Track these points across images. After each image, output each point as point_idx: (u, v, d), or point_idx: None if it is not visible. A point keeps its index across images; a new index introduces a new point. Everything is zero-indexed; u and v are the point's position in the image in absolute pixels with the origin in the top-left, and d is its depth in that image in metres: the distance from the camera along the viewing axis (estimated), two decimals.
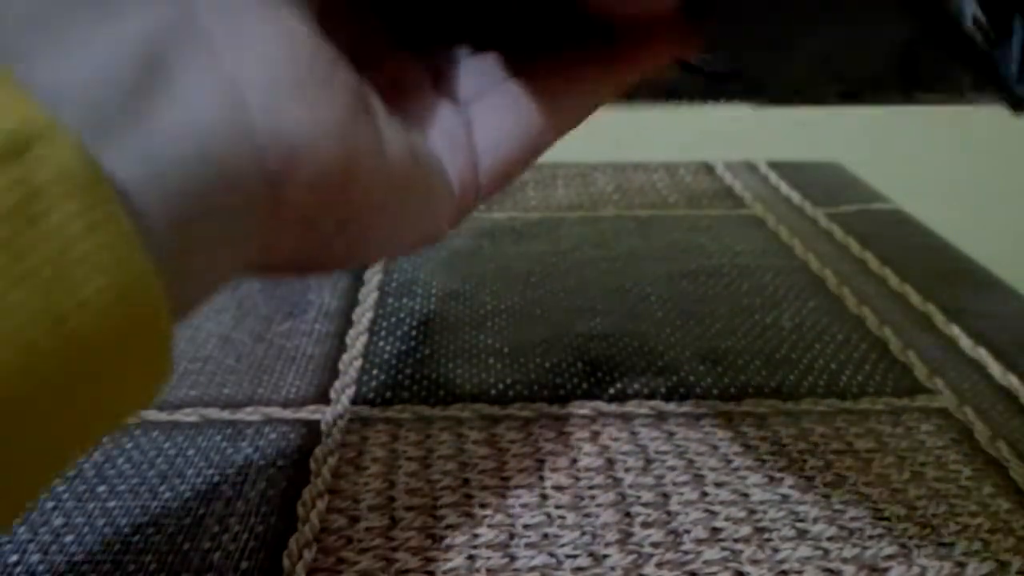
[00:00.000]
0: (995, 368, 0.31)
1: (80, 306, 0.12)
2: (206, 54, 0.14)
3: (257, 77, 0.14)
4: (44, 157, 0.11)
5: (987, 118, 0.71)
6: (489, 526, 0.23)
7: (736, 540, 0.23)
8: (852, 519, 0.24)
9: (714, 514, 0.24)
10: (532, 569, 0.22)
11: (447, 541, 0.23)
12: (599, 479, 0.25)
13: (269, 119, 0.14)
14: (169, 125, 0.13)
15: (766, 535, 0.23)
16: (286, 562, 0.22)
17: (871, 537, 0.23)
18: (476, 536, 0.23)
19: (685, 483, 0.25)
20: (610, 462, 0.26)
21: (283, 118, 0.14)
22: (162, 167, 0.13)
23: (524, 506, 0.24)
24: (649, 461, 0.26)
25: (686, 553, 0.22)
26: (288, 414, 0.28)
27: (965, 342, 0.33)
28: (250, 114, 0.14)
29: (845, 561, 0.22)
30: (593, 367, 0.31)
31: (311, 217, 0.16)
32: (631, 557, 0.22)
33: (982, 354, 0.32)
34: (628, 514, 0.24)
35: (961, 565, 0.22)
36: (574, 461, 0.26)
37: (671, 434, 0.27)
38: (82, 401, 0.13)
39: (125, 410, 0.14)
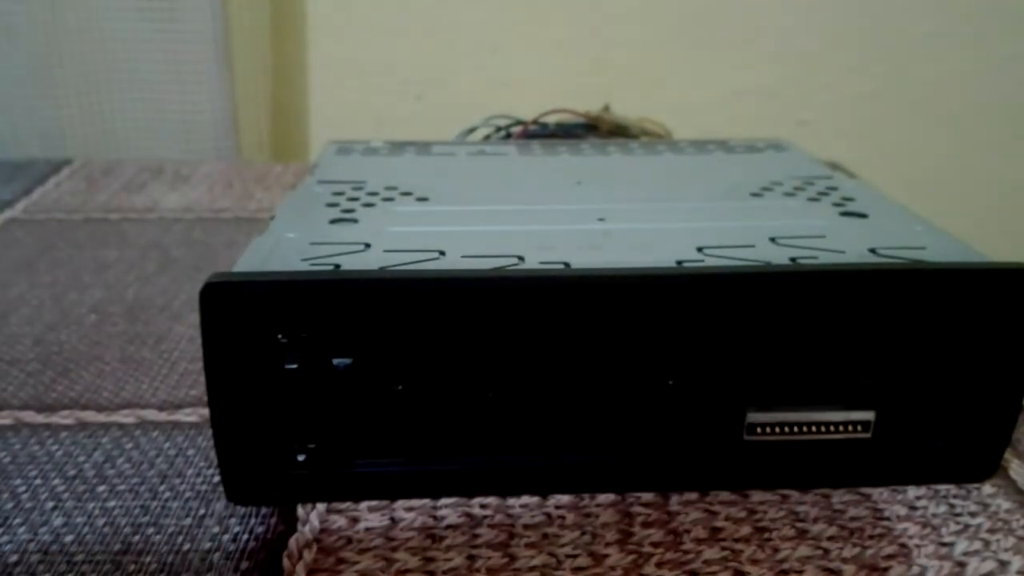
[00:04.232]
0: None
1: None
2: None
3: None
4: None
5: (987, 118, 0.71)
6: (489, 526, 0.23)
7: (736, 540, 0.23)
8: (852, 519, 0.24)
9: (714, 514, 0.24)
10: (532, 569, 0.22)
11: (447, 541, 0.23)
12: None
13: None
14: None
15: (766, 535, 0.23)
16: (286, 562, 0.22)
17: (871, 537, 0.23)
18: (476, 536, 0.23)
19: None
20: None
21: None
22: None
23: (524, 506, 0.24)
24: None
25: (686, 552, 0.22)
26: None
27: None
28: None
29: (845, 561, 0.22)
30: None
31: None
32: (631, 557, 0.22)
33: None
34: (628, 514, 0.24)
35: (961, 565, 0.22)
36: None
37: None
38: None
39: None
